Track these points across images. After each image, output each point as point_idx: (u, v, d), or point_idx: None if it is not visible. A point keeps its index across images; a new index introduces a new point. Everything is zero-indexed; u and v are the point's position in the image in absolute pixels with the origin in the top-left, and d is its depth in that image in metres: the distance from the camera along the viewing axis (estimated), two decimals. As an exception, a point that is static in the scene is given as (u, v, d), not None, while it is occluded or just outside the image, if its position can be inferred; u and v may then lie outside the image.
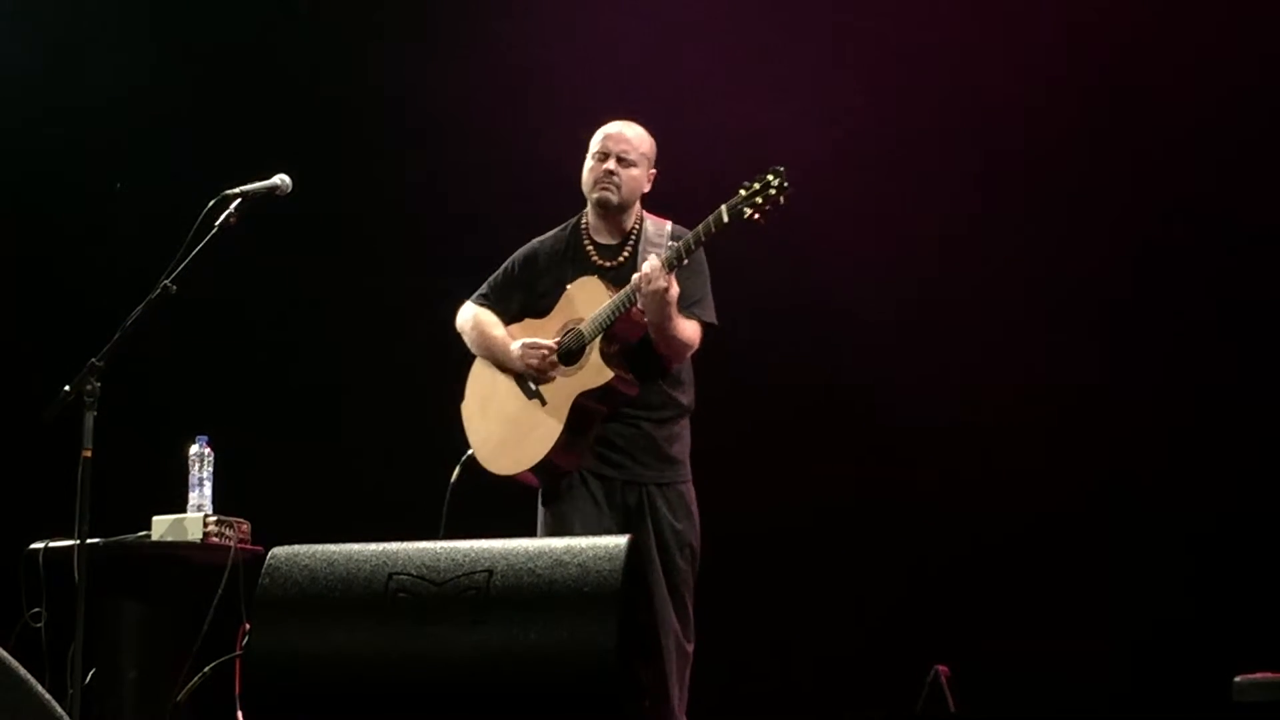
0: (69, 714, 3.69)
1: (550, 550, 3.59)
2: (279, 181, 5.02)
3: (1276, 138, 6.19)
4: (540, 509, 5.10)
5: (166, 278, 4.83)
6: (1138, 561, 6.20)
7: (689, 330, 4.97)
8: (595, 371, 4.94)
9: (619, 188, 5.06)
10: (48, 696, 3.52)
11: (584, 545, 3.60)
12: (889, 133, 6.56)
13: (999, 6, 6.49)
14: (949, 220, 6.47)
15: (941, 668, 5.50)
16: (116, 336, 4.81)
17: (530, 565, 3.56)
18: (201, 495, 5.45)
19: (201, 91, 7.19)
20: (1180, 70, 6.26)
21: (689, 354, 5.03)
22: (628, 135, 5.11)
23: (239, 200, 4.91)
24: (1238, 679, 4.52)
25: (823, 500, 6.44)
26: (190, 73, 7.23)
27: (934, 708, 5.44)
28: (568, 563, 3.55)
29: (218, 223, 4.88)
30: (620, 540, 3.61)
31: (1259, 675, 4.52)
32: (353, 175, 7.04)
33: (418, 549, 3.66)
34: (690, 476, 5.07)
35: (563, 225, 5.22)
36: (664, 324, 4.88)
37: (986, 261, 6.41)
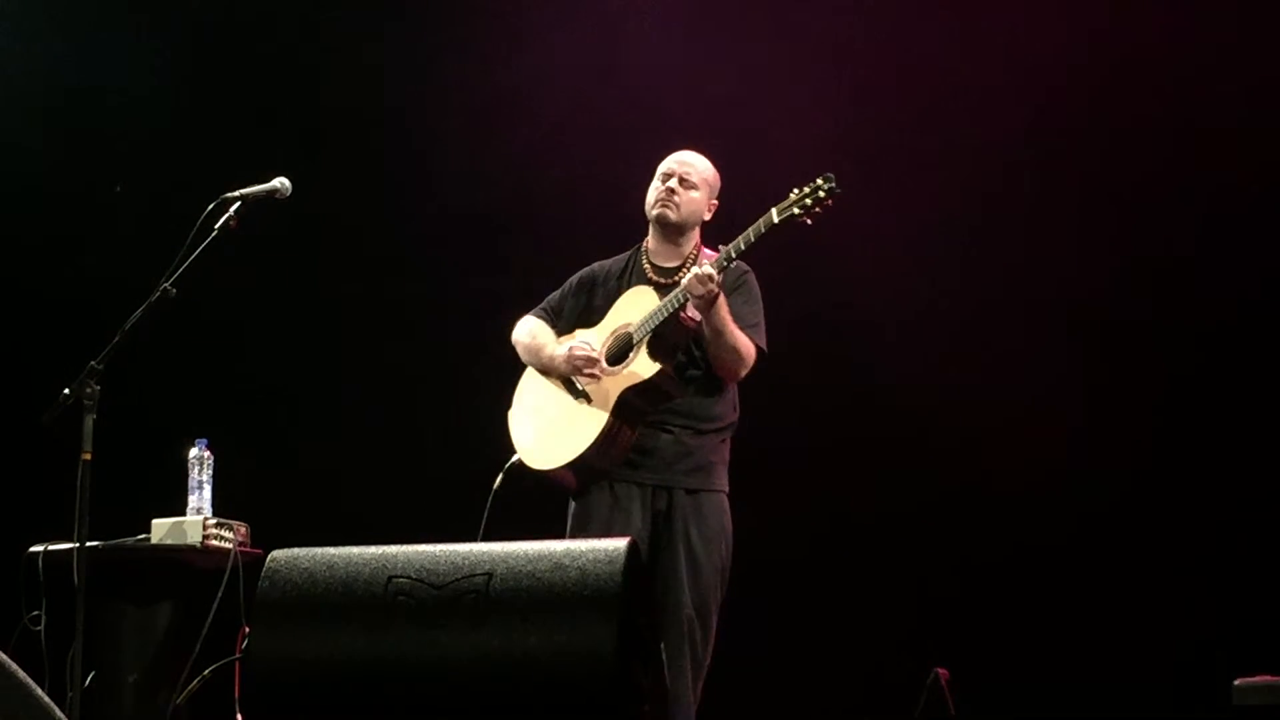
0: (69, 717, 3.69)
1: (550, 553, 3.59)
2: (278, 185, 5.02)
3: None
4: (570, 510, 5.16)
5: (166, 281, 4.82)
6: (1138, 563, 6.20)
7: (744, 343, 5.05)
8: (640, 366, 5.03)
9: (678, 206, 5.17)
10: (47, 700, 3.52)
11: (583, 549, 3.60)
12: (894, 130, 6.58)
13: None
14: (954, 224, 6.49)
15: (941, 670, 5.50)
16: (116, 339, 4.80)
17: (530, 568, 3.56)
18: (201, 498, 5.44)
19: (202, 93, 7.19)
20: (1216, 58, 6.26)
21: (742, 371, 5.09)
22: (692, 160, 5.25)
23: (238, 203, 4.91)
24: (1237, 682, 4.52)
25: (823, 503, 6.44)
26: (191, 74, 7.23)
27: (933, 710, 5.44)
28: (567, 566, 3.55)
29: (217, 226, 4.88)
30: (620, 543, 3.61)
31: (1259, 678, 4.52)
32: (354, 178, 7.05)
33: (417, 552, 3.66)
34: (726, 489, 5.13)
35: (630, 250, 5.33)
36: (719, 330, 4.96)
37: (997, 267, 6.42)
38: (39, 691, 3.51)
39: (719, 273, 4.92)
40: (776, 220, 4.90)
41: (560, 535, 5.11)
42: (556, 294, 5.38)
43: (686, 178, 5.20)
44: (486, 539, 4.96)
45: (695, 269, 4.94)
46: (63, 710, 3.56)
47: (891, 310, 6.51)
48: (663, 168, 5.25)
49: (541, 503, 5.24)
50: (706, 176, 5.24)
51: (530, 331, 5.32)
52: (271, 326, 7.02)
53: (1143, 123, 6.35)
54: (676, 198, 5.17)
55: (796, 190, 4.91)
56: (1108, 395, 6.32)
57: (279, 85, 7.18)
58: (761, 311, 5.17)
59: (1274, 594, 5.97)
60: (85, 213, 7.17)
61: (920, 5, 6.69)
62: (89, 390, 4.75)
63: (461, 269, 6.90)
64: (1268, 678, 4.51)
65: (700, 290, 4.90)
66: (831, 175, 4.90)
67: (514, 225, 6.88)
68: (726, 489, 5.14)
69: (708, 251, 5.14)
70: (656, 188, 5.22)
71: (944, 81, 6.54)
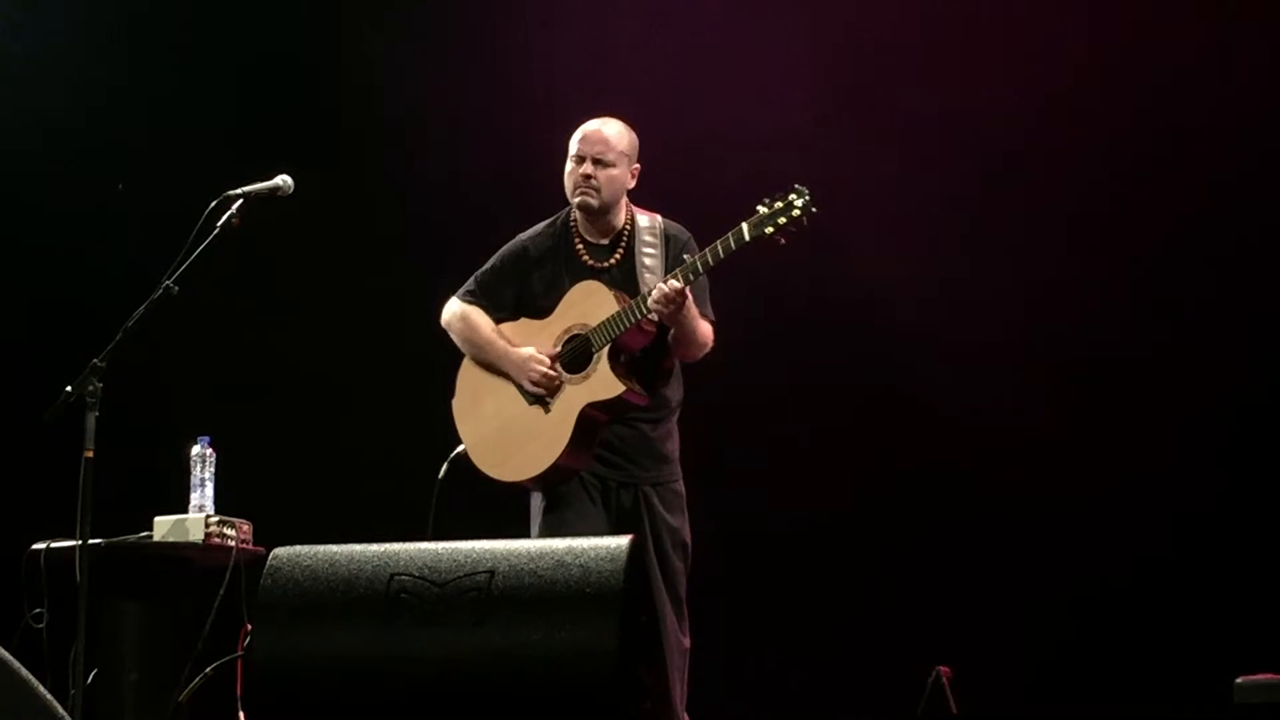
0: (70, 715, 3.69)
1: (552, 551, 3.59)
2: (281, 182, 5.02)
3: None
4: (537, 508, 5.07)
5: (168, 278, 4.83)
6: (1138, 561, 6.20)
7: (707, 331, 4.99)
8: (605, 384, 4.90)
9: (598, 191, 5.02)
10: (49, 697, 3.52)
11: (586, 546, 3.60)
12: (903, 128, 6.58)
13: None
14: (955, 219, 6.48)
15: (943, 668, 5.50)
16: (118, 337, 4.81)
17: (532, 566, 3.56)
18: (203, 496, 5.45)
19: (204, 91, 7.19)
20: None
21: (703, 354, 5.02)
22: (604, 134, 5.05)
23: (241, 201, 4.92)
24: (1239, 680, 4.52)
25: (824, 499, 6.43)
26: (191, 71, 7.22)
27: (936, 709, 5.44)
28: (569, 564, 3.55)
29: (219, 223, 4.88)
30: (622, 541, 3.61)
31: (1260, 676, 4.52)
32: (355, 175, 7.04)
33: (419, 550, 3.66)
34: (681, 474, 5.07)
35: (550, 220, 5.16)
36: (688, 331, 4.90)
37: (997, 266, 6.41)
38: (41, 689, 3.51)
39: (685, 286, 4.79)
40: (748, 238, 4.74)
41: (518, 522, 5.06)
42: (486, 275, 5.16)
43: (601, 157, 5.00)
44: (435, 531, 4.96)
45: (661, 287, 4.78)
46: (65, 708, 3.56)
47: (898, 303, 6.49)
48: (574, 147, 5.05)
49: (495, 493, 5.14)
50: (622, 148, 5.03)
51: (467, 321, 5.12)
52: (274, 324, 7.02)
53: (1166, 111, 6.32)
54: (594, 182, 5.00)
55: (766, 204, 4.74)
56: (1108, 393, 6.32)
57: (279, 81, 7.17)
58: (707, 282, 5.00)
59: (1276, 592, 5.96)
60: (87, 210, 7.17)
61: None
62: (91, 388, 4.76)
63: (466, 263, 6.89)
64: (1270, 676, 4.51)
65: (667, 310, 4.79)
66: (806, 189, 4.73)
67: (514, 223, 6.87)
68: (680, 471, 5.07)
69: (644, 214, 5.02)
70: (571, 171, 5.05)
71: (958, 71, 6.52)
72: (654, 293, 4.82)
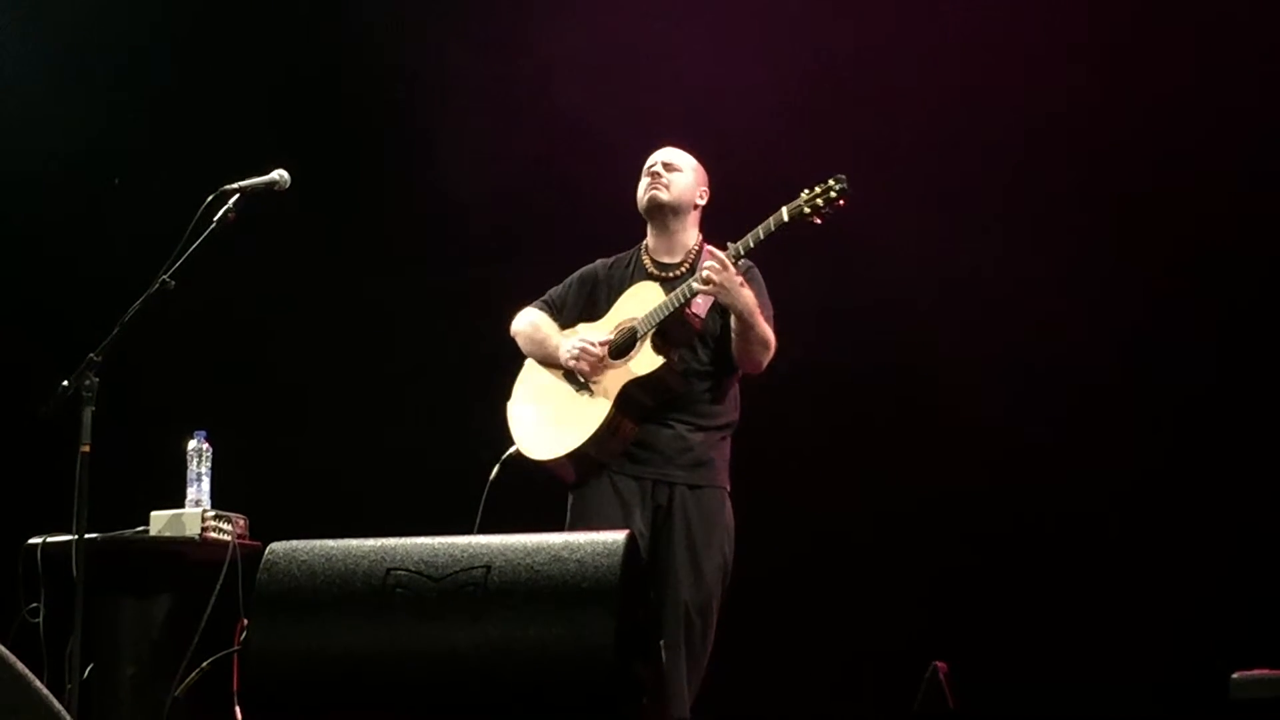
0: (67, 709, 3.69)
1: (548, 546, 3.60)
2: (277, 177, 5.02)
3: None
4: (569, 503, 5.16)
5: (165, 273, 4.83)
6: (1137, 558, 6.20)
7: (769, 334, 5.08)
8: (644, 360, 5.04)
9: (667, 187, 5.21)
10: (46, 692, 3.52)
11: (582, 541, 3.60)
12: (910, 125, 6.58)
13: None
14: (956, 219, 6.49)
15: (940, 664, 5.50)
16: (115, 332, 4.81)
17: (528, 561, 3.56)
18: (200, 490, 5.44)
19: (201, 85, 7.18)
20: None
21: (766, 362, 5.10)
22: (674, 151, 5.32)
23: (237, 195, 4.92)
24: (1236, 675, 4.52)
25: (822, 497, 6.44)
26: (192, 68, 7.22)
27: (932, 704, 5.43)
28: (566, 558, 3.55)
29: (216, 218, 4.88)
30: (618, 536, 3.62)
31: (1257, 672, 4.52)
32: (354, 171, 7.04)
33: (416, 544, 3.67)
34: (728, 487, 5.13)
35: (630, 250, 5.35)
36: (744, 317, 4.98)
37: (998, 265, 6.41)
38: (37, 683, 3.51)
39: (732, 259, 4.96)
40: (786, 219, 4.95)
41: (559, 527, 5.11)
42: (559, 288, 5.40)
43: (670, 162, 5.26)
44: (483, 530, 4.99)
45: (707, 262, 4.96)
46: (61, 702, 3.56)
47: (898, 304, 6.50)
48: (647, 165, 5.31)
49: (540, 495, 5.25)
50: (692, 163, 5.30)
51: (532, 323, 5.33)
52: (270, 318, 7.02)
53: (1193, 109, 6.31)
54: (664, 179, 5.22)
55: (808, 191, 4.96)
56: (1107, 391, 6.32)
57: (279, 77, 7.17)
58: (769, 301, 5.19)
59: (1272, 587, 5.97)
60: (83, 205, 7.16)
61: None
62: (88, 382, 4.76)
63: (462, 261, 6.90)
64: (1266, 671, 4.51)
65: (717, 278, 4.92)
66: (843, 176, 4.95)
67: (514, 219, 6.88)
68: (728, 486, 5.15)
69: (711, 248, 5.14)
70: (642, 182, 5.28)
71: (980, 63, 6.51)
72: (704, 268, 4.95)
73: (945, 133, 6.52)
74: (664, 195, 5.21)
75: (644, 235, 5.33)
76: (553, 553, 3.57)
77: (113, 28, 7.21)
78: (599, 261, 5.39)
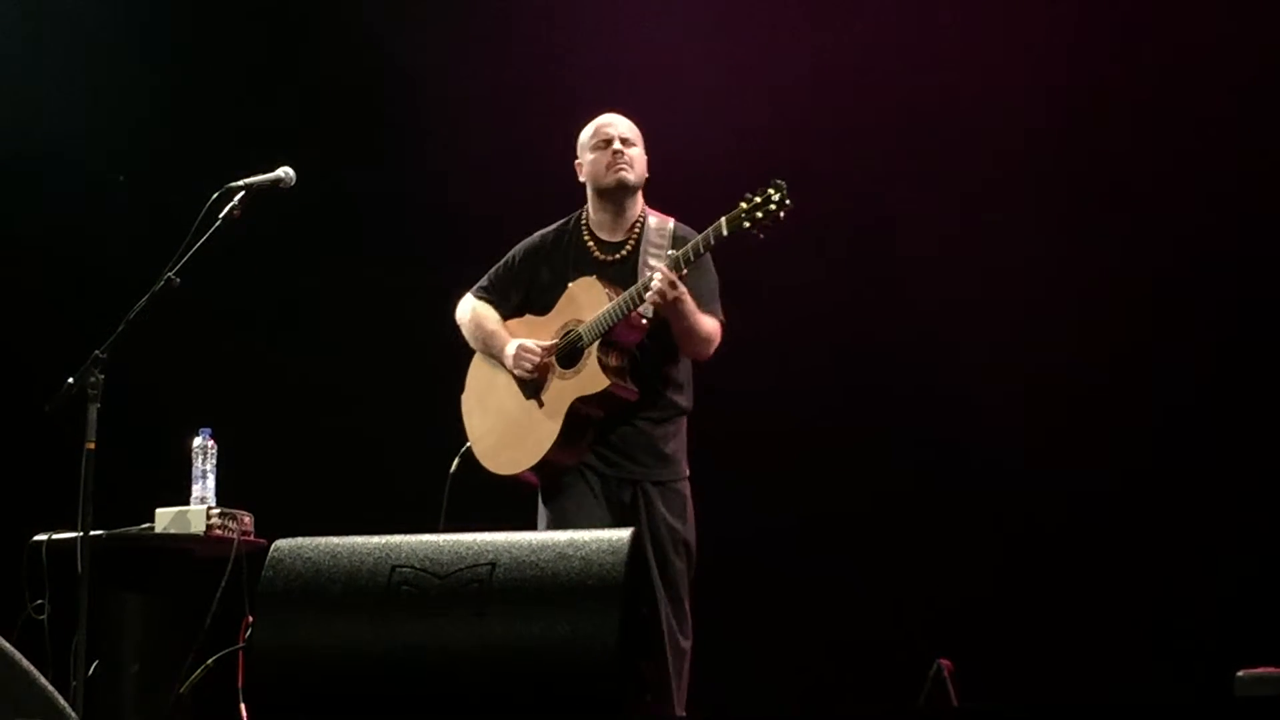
0: (72, 706, 3.70)
1: (553, 543, 3.60)
2: (282, 174, 5.02)
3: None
4: (540, 504, 5.11)
5: (170, 270, 4.83)
6: (1142, 554, 6.19)
7: (710, 327, 5.00)
8: (592, 378, 4.95)
9: (632, 166, 5.07)
10: (51, 688, 3.53)
11: (587, 539, 3.60)
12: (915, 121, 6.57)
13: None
14: (955, 219, 6.48)
15: (944, 661, 5.50)
16: (120, 329, 4.81)
17: (533, 558, 3.56)
18: (205, 487, 5.45)
19: (206, 82, 7.18)
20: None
21: (711, 351, 5.03)
22: (624, 121, 5.14)
23: (242, 193, 4.92)
24: (1240, 673, 4.52)
25: (824, 494, 6.43)
26: (193, 65, 7.22)
27: (936, 701, 5.43)
28: (570, 556, 3.55)
29: (221, 215, 4.88)
30: (623, 534, 3.62)
31: (1261, 670, 4.51)
32: (357, 168, 7.04)
33: (421, 541, 3.67)
34: (687, 475, 5.08)
35: (563, 220, 5.22)
36: (688, 326, 4.91)
37: (998, 264, 6.40)
38: (42, 680, 3.52)
39: (677, 276, 4.83)
40: (726, 233, 4.80)
41: (527, 517, 5.10)
42: (499, 270, 5.25)
43: (628, 138, 5.09)
44: (448, 524, 4.98)
45: (654, 279, 4.82)
46: (66, 699, 3.57)
47: (903, 299, 6.49)
48: (595, 136, 5.12)
49: (506, 486, 5.18)
50: (639, 133, 5.12)
51: (475, 316, 5.21)
52: (276, 315, 7.02)
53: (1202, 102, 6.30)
54: (625, 157, 5.07)
55: (746, 199, 4.79)
56: (1107, 389, 6.31)
57: (279, 76, 7.17)
58: (715, 281, 5.06)
59: (1277, 585, 5.96)
60: (88, 202, 7.16)
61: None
62: (93, 379, 4.76)
63: (464, 258, 6.89)
64: (1271, 669, 4.50)
65: (669, 297, 4.81)
66: (782, 182, 4.79)
67: (514, 217, 6.86)
68: (688, 472, 5.09)
69: (656, 215, 5.06)
70: (598, 156, 5.09)
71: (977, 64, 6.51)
72: (653, 282, 4.84)
73: (945, 132, 6.51)
74: (632, 177, 5.07)
75: (582, 203, 5.17)
76: (557, 550, 3.57)
77: (115, 26, 7.20)
78: (537, 235, 5.22)
